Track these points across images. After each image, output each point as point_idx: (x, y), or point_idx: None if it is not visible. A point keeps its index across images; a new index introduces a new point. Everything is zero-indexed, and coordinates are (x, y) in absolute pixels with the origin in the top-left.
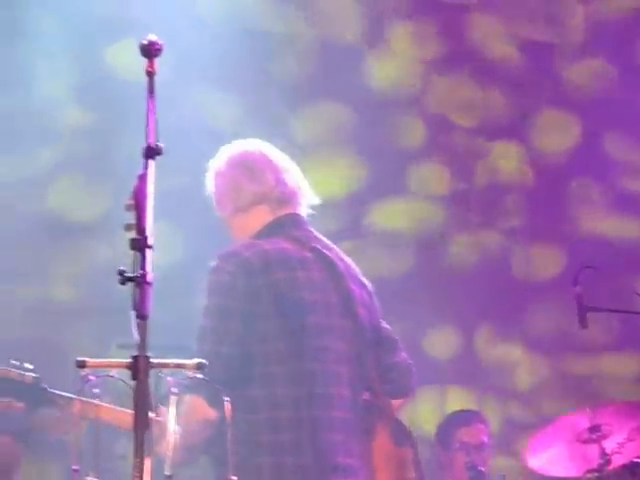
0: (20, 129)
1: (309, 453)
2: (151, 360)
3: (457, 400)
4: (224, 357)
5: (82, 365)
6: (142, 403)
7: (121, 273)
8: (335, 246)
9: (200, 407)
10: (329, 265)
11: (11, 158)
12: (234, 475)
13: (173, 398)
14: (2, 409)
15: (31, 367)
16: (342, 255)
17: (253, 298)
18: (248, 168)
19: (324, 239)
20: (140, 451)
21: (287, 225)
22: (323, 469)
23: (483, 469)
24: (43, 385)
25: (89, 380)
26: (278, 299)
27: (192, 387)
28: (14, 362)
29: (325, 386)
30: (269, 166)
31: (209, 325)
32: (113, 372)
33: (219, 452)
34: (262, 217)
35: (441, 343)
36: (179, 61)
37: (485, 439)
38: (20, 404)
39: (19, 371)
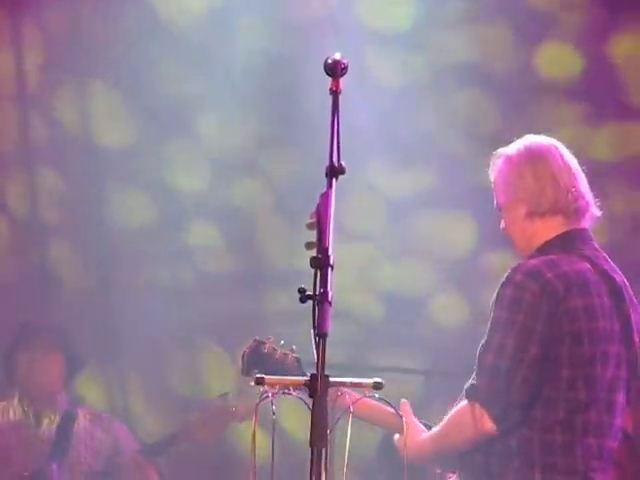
0: None
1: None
2: (329, 378)
3: None
4: (521, 377)
5: (260, 382)
6: (319, 421)
7: (301, 291)
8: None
9: (480, 418)
10: (616, 291)
11: None
12: None
13: (350, 417)
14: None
15: (294, 347)
16: (624, 278)
17: (553, 322)
18: (550, 171)
19: (609, 260)
20: (317, 467)
21: (578, 241)
22: None
23: None
24: (303, 369)
25: (267, 397)
26: (574, 326)
27: (478, 396)
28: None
29: (599, 414)
30: (569, 172)
31: (508, 342)
32: (291, 389)
33: (478, 464)
34: (556, 228)
35: None
36: None
37: None
38: None
39: (284, 351)
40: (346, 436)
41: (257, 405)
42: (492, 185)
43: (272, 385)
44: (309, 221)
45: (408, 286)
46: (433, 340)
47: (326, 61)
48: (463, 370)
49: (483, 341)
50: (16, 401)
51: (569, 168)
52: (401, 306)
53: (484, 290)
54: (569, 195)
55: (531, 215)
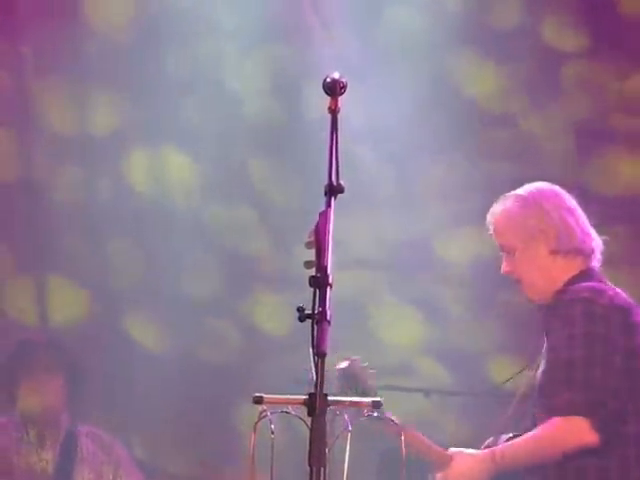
0: None
1: None
2: (328, 397)
3: None
4: (614, 387)
5: (259, 401)
6: (318, 440)
7: (300, 310)
8: None
9: (580, 431)
10: None
11: None
12: None
13: (349, 436)
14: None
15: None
16: None
17: (627, 334)
18: (569, 210)
19: None
20: None
21: (596, 278)
22: None
23: None
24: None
25: (265, 416)
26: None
27: (579, 410)
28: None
29: None
30: (580, 214)
31: (595, 354)
32: (289, 408)
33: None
34: (578, 266)
35: None
36: None
37: None
38: None
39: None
40: (344, 454)
41: (256, 424)
42: (492, 232)
43: (271, 404)
44: (308, 240)
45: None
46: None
47: (325, 80)
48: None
49: (557, 361)
50: (18, 419)
51: (577, 209)
52: None
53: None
54: (587, 236)
55: (554, 253)
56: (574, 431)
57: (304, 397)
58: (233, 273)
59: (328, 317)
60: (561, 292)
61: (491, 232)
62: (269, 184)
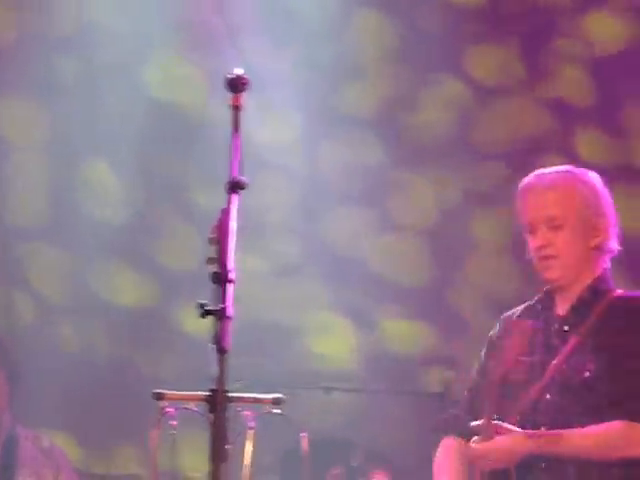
0: None
1: None
2: (229, 394)
3: None
4: None
5: (160, 397)
6: (219, 436)
7: (202, 306)
8: None
9: None
10: None
11: None
12: None
13: (250, 432)
14: None
15: None
16: None
17: None
18: (613, 207)
19: None
20: None
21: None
22: None
23: None
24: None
25: (167, 412)
26: None
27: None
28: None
29: None
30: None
31: None
32: (191, 404)
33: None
34: (605, 263)
35: None
36: None
37: None
38: None
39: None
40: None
41: (158, 420)
42: (542, 200)
43: (172, 400)
44: (210, 236)
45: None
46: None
47: (226, 76)
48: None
49: (623, 367)
50: None
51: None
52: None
53: None
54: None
55: (597, 248)
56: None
57: (205, 394)
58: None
59: (229, 313)
60: (601, 291)
61: (538, 199)
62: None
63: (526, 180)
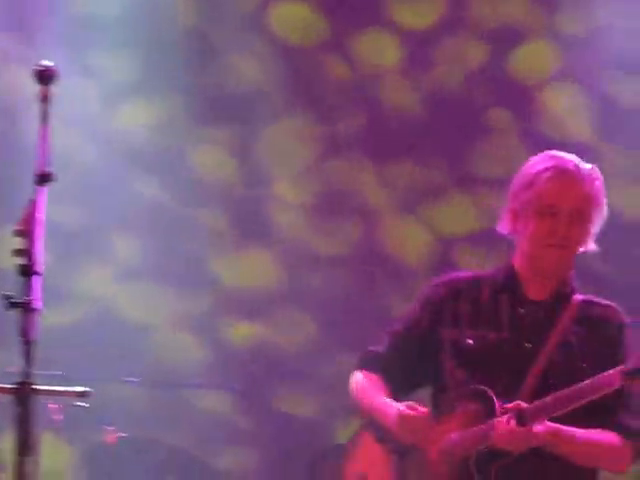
0: None
1: None
2: (35, 387)
3: None
4: None
5: None
6: (25, 429)
7: (7, 298)
8: None
9: (632, 458)
10: None
11: None
12: None
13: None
14: None
15: None
16: None
17: None
18: None
19: None
20: (22, 476)
21: None
22: None
23: None
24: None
25: None
26: None
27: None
28: None
29: None
30: None
31: None
32: None
33: None
34: None
35: None
36: None
37: None
38: None
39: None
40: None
41: None
42: (577, 190)
43: None
44: (16, 228)
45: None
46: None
47: (35, 68)
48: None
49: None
50: None
51: None
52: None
53: None
54: None
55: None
56: (628, 458)
57: (12, 386)
58: None
59: (35, 306)
60: (574, 287)
61: (572, 187)
62: None
63: (560, 162)
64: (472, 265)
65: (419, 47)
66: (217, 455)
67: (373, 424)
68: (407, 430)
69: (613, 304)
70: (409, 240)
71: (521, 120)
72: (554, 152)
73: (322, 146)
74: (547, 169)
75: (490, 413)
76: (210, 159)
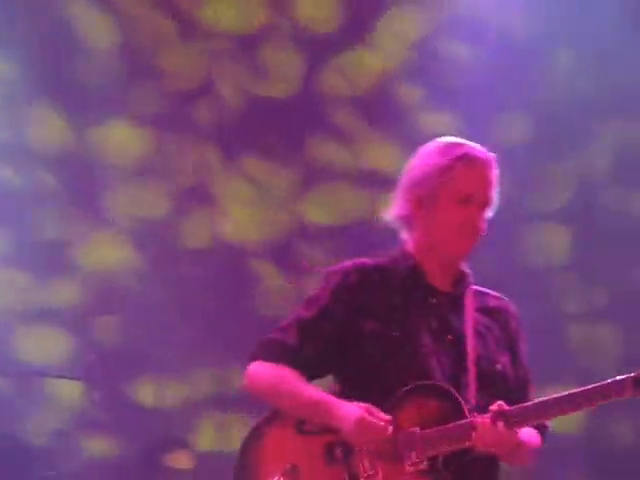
0: None
1: None
2: None
3: None
4: None
5: None
6: None
7: None
8: None
9: None
10: None
11: None
12: None
13: None
14: None
15: None
16: None
17: None
18: None
19: None
20: None
21: None
22: None
23: None
24: None
25: None
26: None
27: None
28: None
29: None
30: None
31: None
32: None
33: None
34: None
35: None
36: None
37: None
38: None
39: None
40: None
41: None
42: (490, 179)
43: None
44: None
45: None
46: None
47: None
48: None
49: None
50: None
51: None
52: None
53: None
54: None
55: None
56: None
57: None
58: None
59: None
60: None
61: (489, 177)
62: None
63: (471, 150)
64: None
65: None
66: (74, 445)
67: (286, 416)
68: (366, 437)
69: (501, 295)
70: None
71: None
72: (454, 139)
73: None
74: (462, 157)
75: (457, 412)
76: None
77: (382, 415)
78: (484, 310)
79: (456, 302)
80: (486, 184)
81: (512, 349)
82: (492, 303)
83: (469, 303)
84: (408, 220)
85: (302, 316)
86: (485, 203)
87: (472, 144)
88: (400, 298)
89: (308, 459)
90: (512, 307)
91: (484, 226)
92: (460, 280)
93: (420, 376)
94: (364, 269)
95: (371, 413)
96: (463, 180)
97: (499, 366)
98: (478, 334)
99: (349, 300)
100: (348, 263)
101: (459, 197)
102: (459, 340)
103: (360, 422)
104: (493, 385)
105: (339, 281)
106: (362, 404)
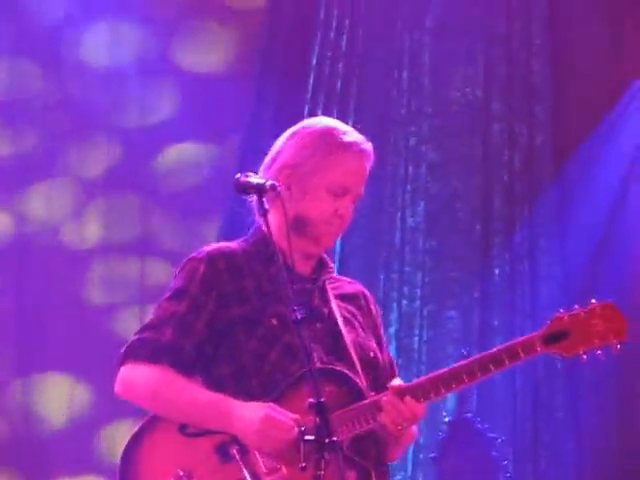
0: None
1: None
2: None
3: None
4: None
5: None
6: None
7: None
8: None
9: None
10: None
11: None
12: None
13: None
14: None
15: None
16: None
17: None
18: None
19: None
20: None
21: None
22: None
23: None
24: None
25: None
26: None
27: None
28: None
29: None
30: None
31: None
32: None
33: None
34: None
35: None
36: None
37: None
38: None
39: None
40: None
41: None
42: (366, 170)
43: None
44: None
45: None
46: None
47: None
48: None
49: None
50: None
51: None
52: None
53: None
54: None
55: None
56: None
57: None
58: None
59: None
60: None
61: (365, 169)
62: None
63: (360, 141)
64: None
65: None
66: None
67: (166, 421)
68: (270, 440)
69: (352, 279)
70: None
71: None
72: (336, 122)
73: None
74: (345, 143)
75: (356, 394)
76: None
77: (288, 413)
78: (343, 297)
79: (319, 288)
80: (362, 176)
81: (375, 333)
82: (349, 289)
83: (329, 289)
84: (270, 201)
85: (173, 310)
86: (358, 196)
87: (354, 133)
88: (270, 284)
89: (200, 462)
90: (365, 290)
91: (350, 217)
92: (321, 267)
93: (301, 364)
94: (229, 255)
95: (276, 411)
96: (345, 173)
97: (372, 353)
98: (346, 321)
99: (217, 289)
100: (211, 249)
101: (335, 188)
102: (330, 328)
103: (265, 419)
104: (373, 370)
105: (204, 271)
106: (264, 403)
